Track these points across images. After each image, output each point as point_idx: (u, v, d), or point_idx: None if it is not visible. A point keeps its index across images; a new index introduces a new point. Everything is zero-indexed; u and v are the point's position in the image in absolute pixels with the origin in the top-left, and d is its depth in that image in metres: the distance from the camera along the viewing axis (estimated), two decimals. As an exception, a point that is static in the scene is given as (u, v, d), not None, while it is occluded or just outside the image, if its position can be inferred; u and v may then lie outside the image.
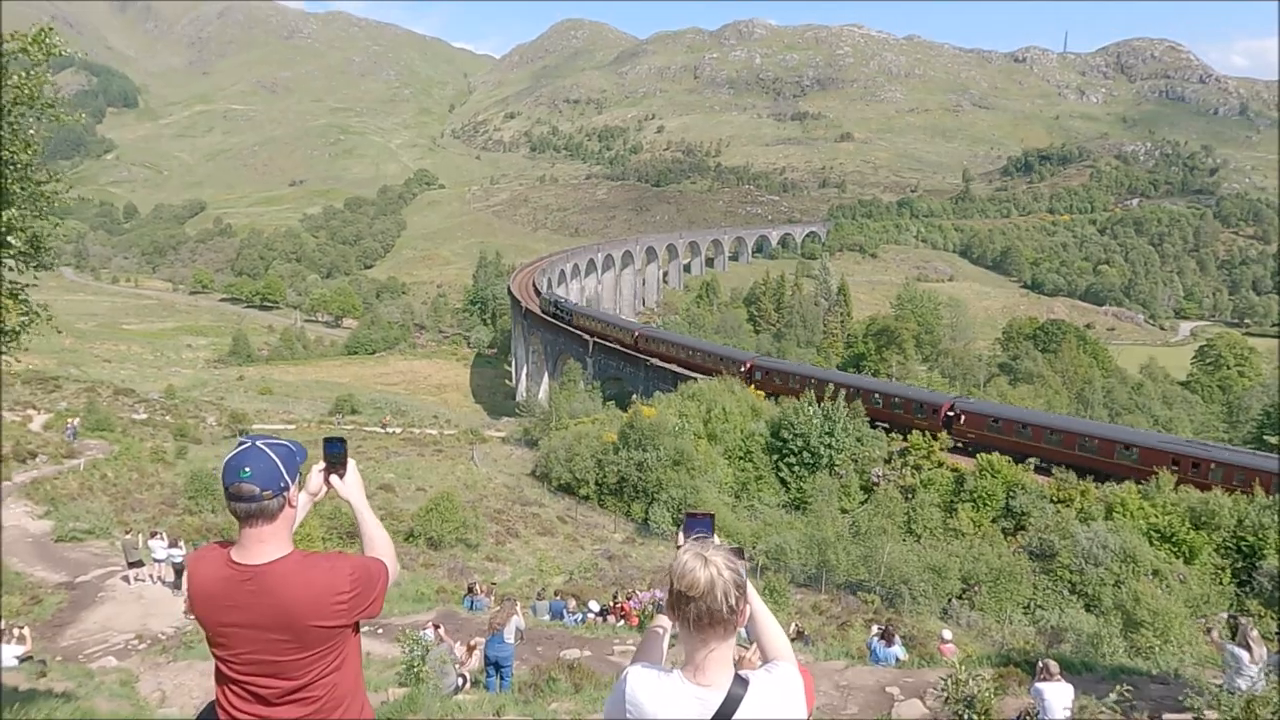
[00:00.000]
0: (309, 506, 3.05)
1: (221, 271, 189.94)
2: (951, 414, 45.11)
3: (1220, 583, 31.59)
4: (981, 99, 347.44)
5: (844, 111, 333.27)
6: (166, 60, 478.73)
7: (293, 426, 69.63)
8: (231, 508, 2.73)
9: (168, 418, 67.26)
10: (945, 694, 8.22)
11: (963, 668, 8.71)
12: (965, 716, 7.97)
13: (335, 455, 3.07)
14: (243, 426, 63.55)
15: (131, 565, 21.35)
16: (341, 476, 3.07)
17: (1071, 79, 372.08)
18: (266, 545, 2.74)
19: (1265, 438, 69.59)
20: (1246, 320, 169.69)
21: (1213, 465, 36.70)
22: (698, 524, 2.80)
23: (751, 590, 2.44)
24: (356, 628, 2.88)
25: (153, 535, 22.17)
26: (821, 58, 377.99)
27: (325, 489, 3.07)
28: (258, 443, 2.76)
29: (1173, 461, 37.59)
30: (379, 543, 3.04)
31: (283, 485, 2.74)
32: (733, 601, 2.29)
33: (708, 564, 2.31)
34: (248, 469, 2.68)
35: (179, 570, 20.97)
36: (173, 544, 21.50)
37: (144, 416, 66.56)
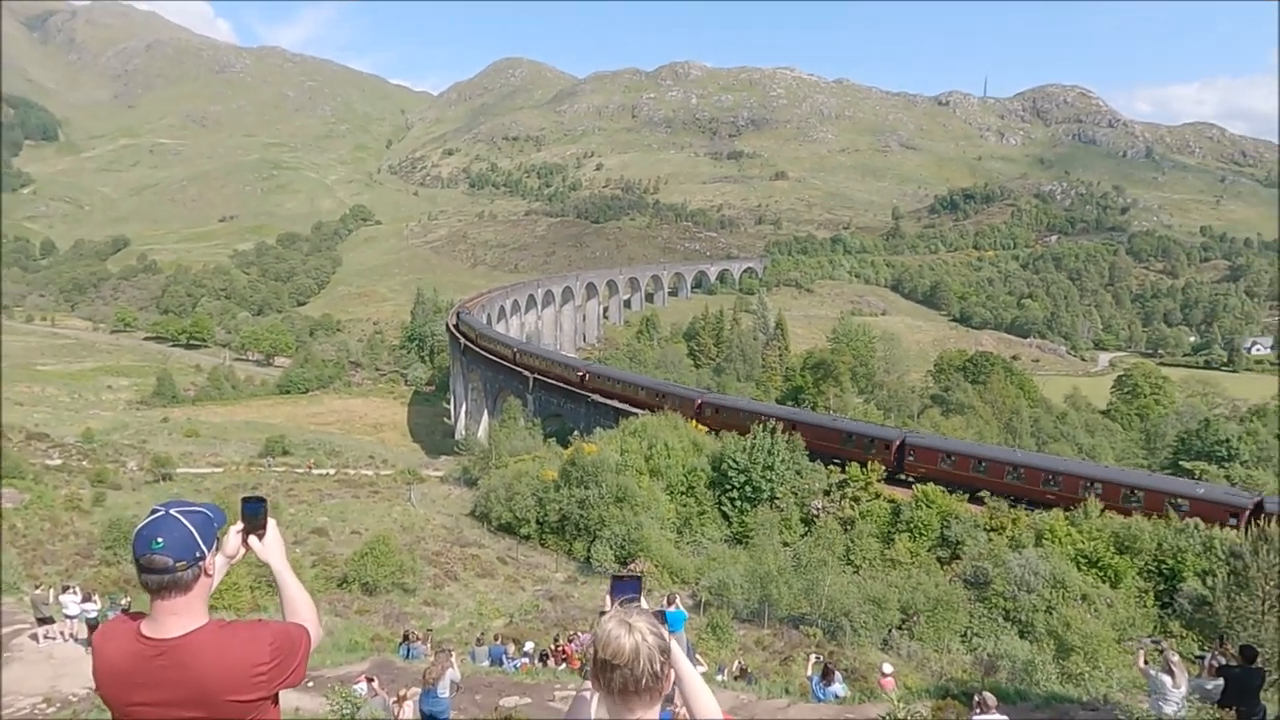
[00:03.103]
0: (226, 569, 2.90)
1: (146, 309, 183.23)
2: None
3: (1144, 605, 32.67)
4: (908, 140, 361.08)
5: (778, 151, 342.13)
6: (90, 93, 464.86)
7: (220, 469, 67.10)
8: (143, 580, 2.58)
9: (85, 463, 64.26)
10: (885, 732, 8.30)
11: (901, 704, 8.78)
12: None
13: (254, 516, 2.92)
14: (166, 471, 60.99)
15: (41, 622, 20.09)
16: (261, 538, 2.93)
17: (992, 122, 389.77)
18: (180, 617, 2.60)
19: (1180, 463, 72.79)
20: (1160, 350, 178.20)
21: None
22: (626, 588, 2.75)
23: (678, 652, 2.41)
24: (276, 698, 2.74)
25: (65, 589, 20.99)
26: (755, 99, 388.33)
27: (243, 551, 2.93)
28: (171, 511, 2.62)
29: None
30: (300, 606, 2.92)
31: (198, 555, 2.60)
32: (657, 668, 2.25)
33: (632, 630, 2.26)
34: (160, 540, 2.54)
35: (93, 626, 19.85)
36: (86, 598, 20.36)
37: (59, 462, 63.44)
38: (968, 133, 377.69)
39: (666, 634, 2.35)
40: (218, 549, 2.75)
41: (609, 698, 2.29)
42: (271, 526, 2.97)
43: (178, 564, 2.55)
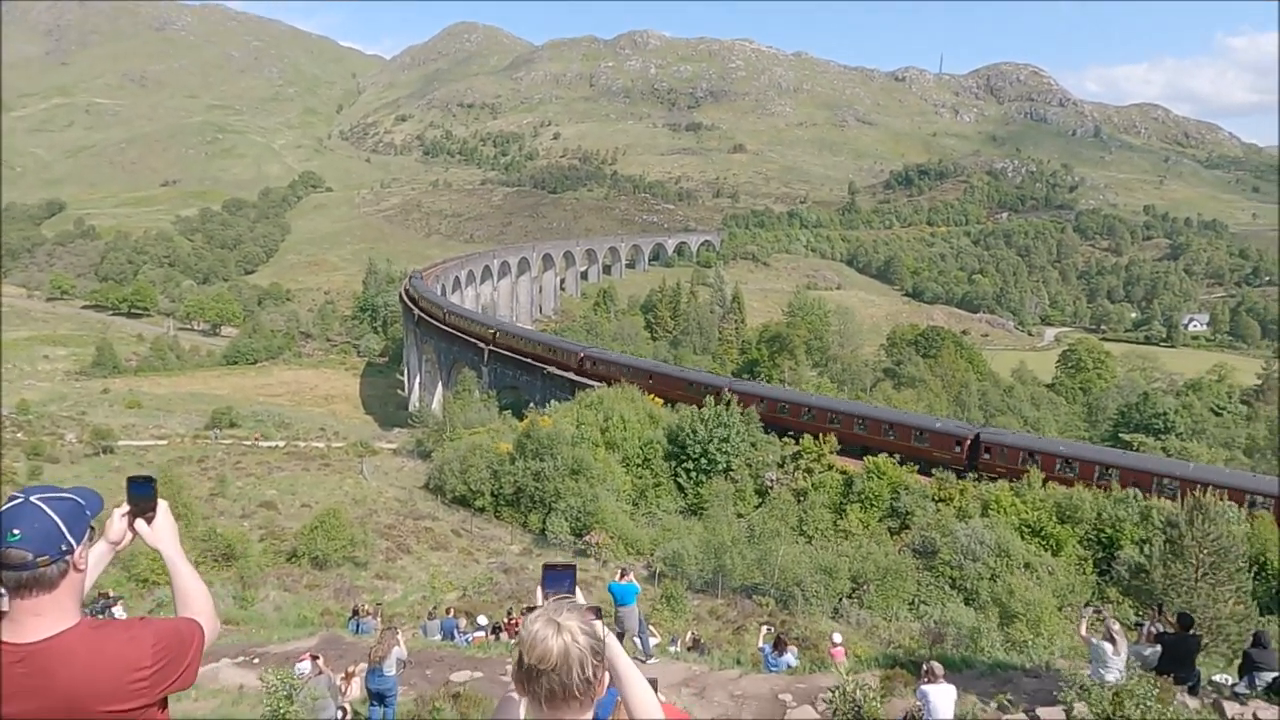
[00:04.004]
0: (109, 558, 2.62)
1: (84, 276, 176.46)
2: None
3: (1084, 572, 33.79)
4: (865, 115, 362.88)
5: (736, 123, 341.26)
6: (20, 48, 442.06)
7: (164, 442, 65.44)
8: None
9: (20, 435, 62.16)
10: (834, 704, 8.37)
11: (850, 677, 8.86)
12: (853, 724, 8.14)
13: (141, 497, 2.63)
14: (107, 443, 59.25)
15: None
16: (150, 521, 2.63)
17: (946, 98, 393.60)
18: (44, 618, 2.27)
19: (1120, 435, 75.25)
20: (1103, 326, 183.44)
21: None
22: (557, 579, 2.48)
23: (616, 647, 2.24)
24: (164, 704, 2.47)
25: (-4, 567, 20.15)
26: (714, 70, 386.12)
27: (130, 537, 2.62)
28: (32, 498, 2.31)
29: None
30: (194, 598, 2.62)
31: (64, 548, 2.28)
32: (589, 672, 2.05)
33: (560, 631, 2.05)
34: (17, 531, 2.22)
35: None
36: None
37: (-9, 434, 61.10)
38: (923, 109, 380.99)
39: (601, 631, 2.14)
40: (92, 540, 2.45)
41: (535, 705, 2.09)
42: (163, 508, 2.67)
43: (39, 559, 2.24)
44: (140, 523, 2.61)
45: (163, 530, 2.65)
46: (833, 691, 8.42)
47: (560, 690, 2.03)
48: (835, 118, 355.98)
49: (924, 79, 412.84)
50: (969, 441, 42.83)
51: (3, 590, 2.25)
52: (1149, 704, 7.30)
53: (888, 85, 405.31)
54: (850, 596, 31.90)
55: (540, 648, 2.04)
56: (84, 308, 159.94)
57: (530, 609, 2.27)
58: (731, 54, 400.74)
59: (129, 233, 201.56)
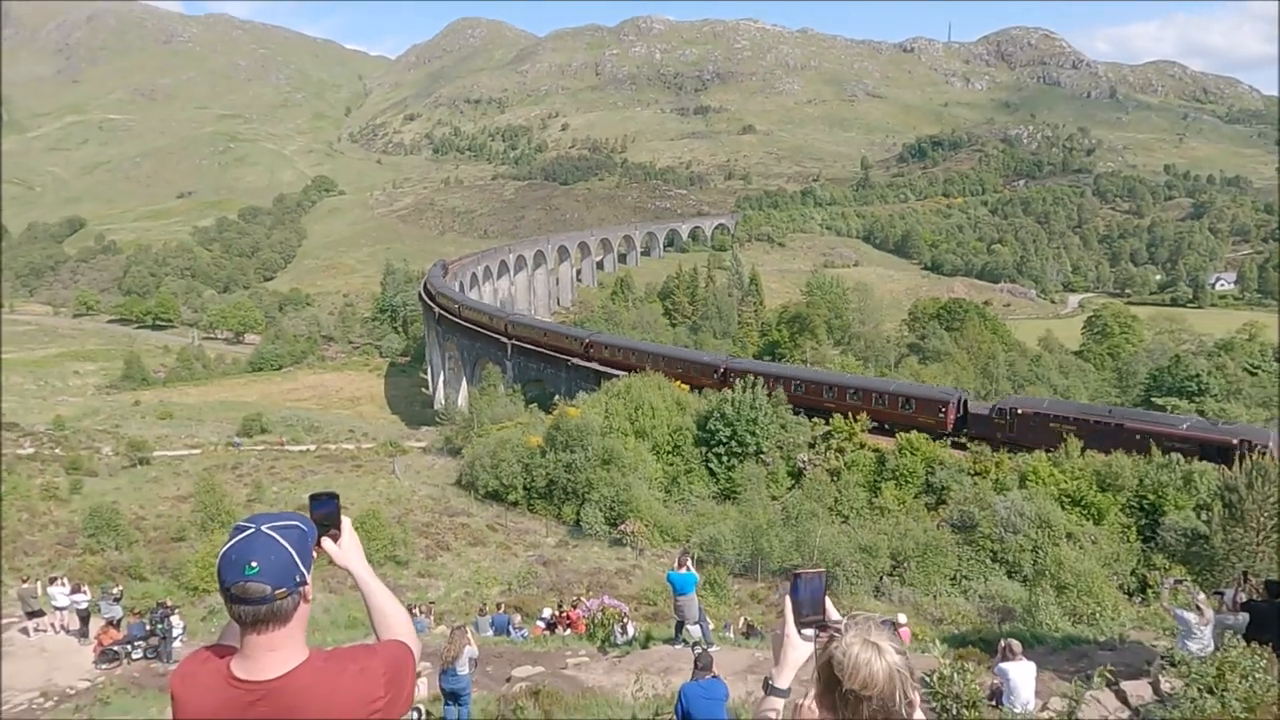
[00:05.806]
0: None
1: (108, 291, 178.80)
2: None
3: (1128, 540, 33.39)
4: (874, 89, 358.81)
5: (744, 104, 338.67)
6: (31, 69, 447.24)
7: (198, 450, 66.23)
8: (235, 612, 2.19)
9: (58, 450, 63.25)
10: (934, 688, 8.29)
11: (946, 662, 8.76)
12: (955, 710, 8.04)
13: (326, 515, 2.52)
14: (143, 455, 60.06)
15: (30, 615, 19.73)
16: (335, 540, 2.50)
17: (957, 67, 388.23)
18: (280, 653, 2.21)
19: (1153, 399, 74.21)
20: (1127, 290, 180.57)
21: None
22: (810, 586, 2.30)
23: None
24: None
25: (52, 581, 20.52)
26: (720, 52, 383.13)
27: (315, 556, 2.47)
28: (263, 528, 2.22)
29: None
30: (395, 620, 2.51)
31: (298, 580, 2.21)
32: (910, 694, 1.99)
33: (881, 654, 1.98)
34: (255, 564, 2.15)
35: (84, 617, 19.50)
36: (75, 589, 19.93)
37: (30, 451, 62.33)
38: (933, 79, 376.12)
39: (906, 649, 2.07)
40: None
41: None
42: (347, 526, 2.54)
43: (277, 591, 2.16)
44: (327, 541, 2.49)
45: (350, 549, 2.53)
46: (930, 675, 8.34)
47: (882, 714, 1.97)
48: (844, 93, 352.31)
49: (933, 49, 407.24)
50: (721, 370, 53.59)
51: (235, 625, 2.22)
52: (1256, 675, 7.12)
53: (896, 57, 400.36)
54: (891, 574, 31.75)
55: (864, 672, 1.96)
56: (109, 322, 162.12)
57: (823, 625, 2.17)
58: (736, 34, 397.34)
59: (149, 246, 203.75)
